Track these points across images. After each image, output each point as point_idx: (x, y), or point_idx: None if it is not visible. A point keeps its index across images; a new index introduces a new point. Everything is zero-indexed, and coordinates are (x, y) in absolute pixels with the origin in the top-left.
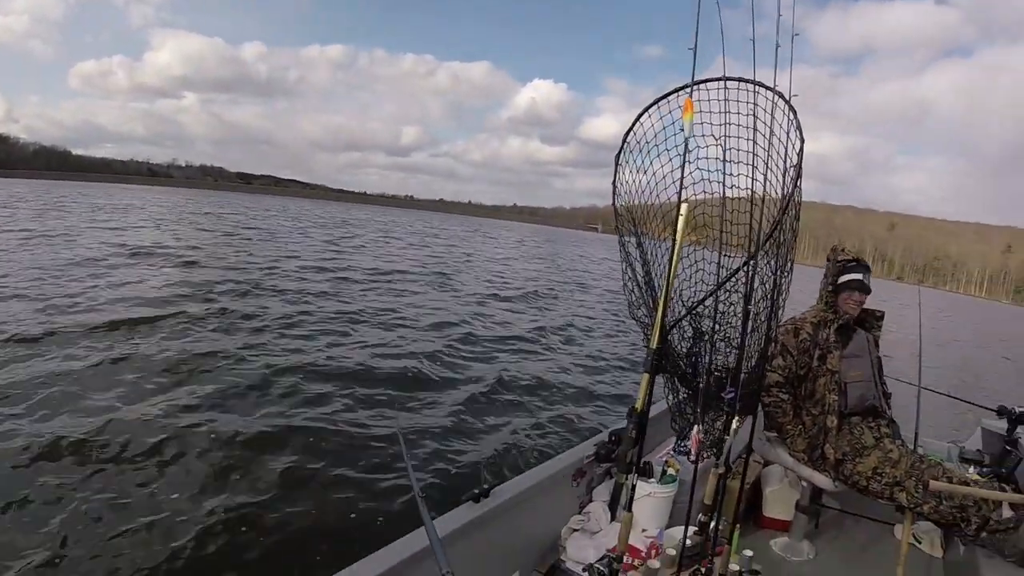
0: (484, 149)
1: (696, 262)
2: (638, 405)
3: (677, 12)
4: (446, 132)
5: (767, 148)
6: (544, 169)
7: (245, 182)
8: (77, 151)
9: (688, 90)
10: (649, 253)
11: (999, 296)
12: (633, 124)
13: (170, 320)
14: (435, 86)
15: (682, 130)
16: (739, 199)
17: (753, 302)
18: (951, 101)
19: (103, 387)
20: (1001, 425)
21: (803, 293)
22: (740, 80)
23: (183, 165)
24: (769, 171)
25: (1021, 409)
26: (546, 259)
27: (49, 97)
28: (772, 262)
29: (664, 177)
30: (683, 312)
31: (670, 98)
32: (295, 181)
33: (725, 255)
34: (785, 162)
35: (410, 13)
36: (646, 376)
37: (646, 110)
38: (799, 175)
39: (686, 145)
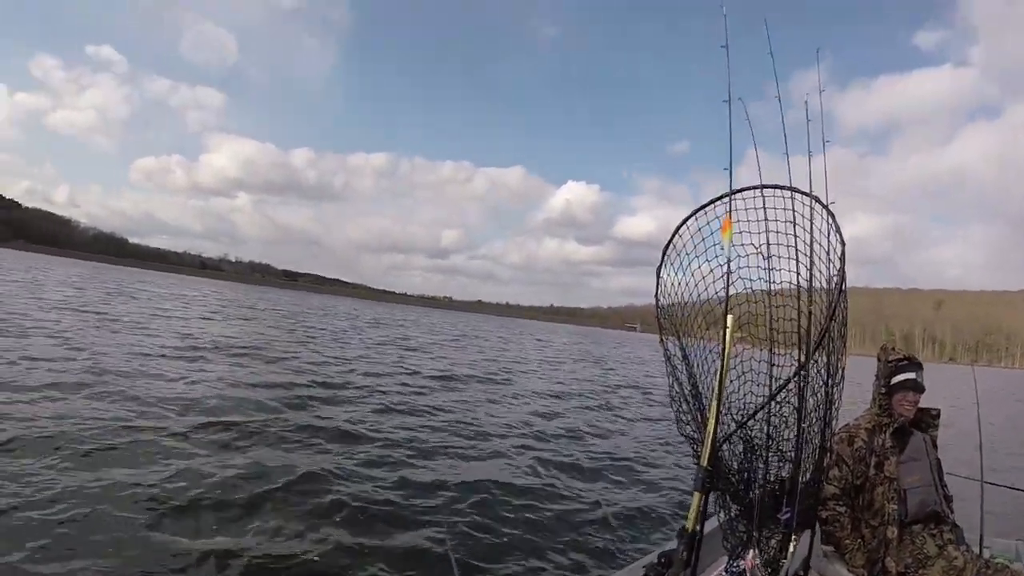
0: (521, 251)
1: (744, 372)
2: (688, 525)
3: (704, 108)
4: (484, 235)
5: (808, 254)
6: (580, 269)
7: (291, 279)
8: (134, 240)
9: (725, 201)
10: (694, 359)
11: None
12: (672, 236)
13: (274, 420)
14: (473, 191)
15: (721, 245)
16: (784, 306)
17: (805, 414)
18: (983, 164)
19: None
20: None
21: (850, 384)
22: (776, 187)
23: (233, 260)
24: (812, 277)
25: None
26: (592, 361)
27: (110, 187)
28: (823, 371)
29: (706, 285)
30: (733, 426)
31: (707, 208)
32: (338, 280)
33: (775, 363)
34: (828, 266)
35: (447, 122)
36: (697, 495)
37: (684, 222)
38: (843, 280)
39: (728, 267)
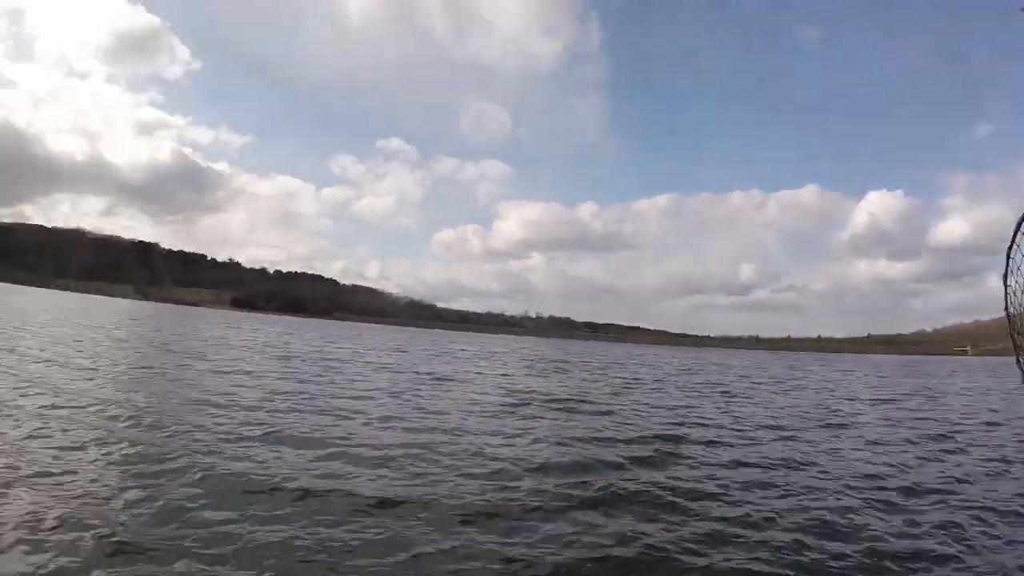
0: (826, 277)
1: None
2: None
3: (999, 78)
4: (784, 264)
5: None
6: (896, 288)
7: (591, 330)
8: (440, 304)
9: None
10: None
11: None
12: (1014, 237)
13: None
14: (766, 219)
15: None
16: None
17: None
18: None
19: None
20: None
21: None
22: None
23: (534, 316)
24: None
25: None
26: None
27: (414, 259)
28: None
29: None
30: None
31: None
32: (637, 328)
33: None
34: None
35: (727, 152)
36: None
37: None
38: None
39: None
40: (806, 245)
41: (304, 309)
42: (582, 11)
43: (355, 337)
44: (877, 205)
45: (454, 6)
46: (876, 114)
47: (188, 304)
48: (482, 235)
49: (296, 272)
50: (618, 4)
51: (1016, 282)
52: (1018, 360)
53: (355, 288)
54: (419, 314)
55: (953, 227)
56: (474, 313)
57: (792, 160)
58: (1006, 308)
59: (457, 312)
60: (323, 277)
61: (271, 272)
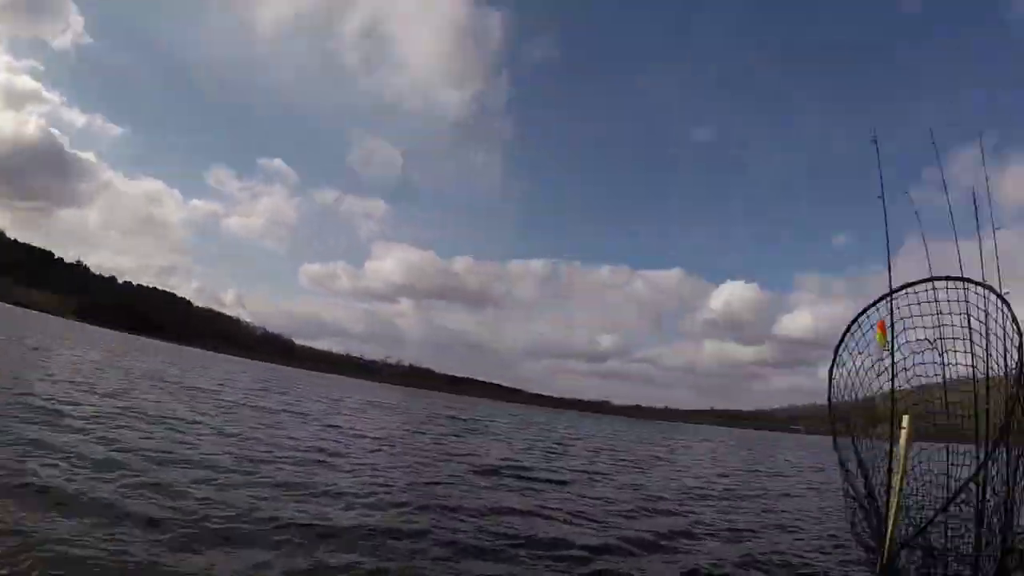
0: (680, 354)
1: (922, 475)
2: None
3: (860, 197)
4: (642, 338)
5: (984, 347)
6: (741, 371)
7: (452, 384)
8: (300, 341)
9: (887, 300)
10: (868, 461)
11: None
12: (843, 337)
13: None
14: (630, 294)
15: (886, 346)
16: (960, 403)
17: (986, 517)
18: None
19: None
20: None
21: None
22: (948, 279)
23: (394, 363)
24: (989, 369)
25: None
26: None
27: (277, 290)
28: (1004, 470)
29: (880, 384)
30: (910, 530)
31: (873, 308)
32: (497, 385)
33: (952, 461)
34: (1006, 359)
35: (604, 229)
36: None
37: (853, 322)
38: (1022, 371)
39: (893, 366)
40: (664, 322)
41: (153, 329)
42: (495, 66)
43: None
44: (734, 293)
45: (371, 37)
46: (747, 212)
47: (26, 307)
48: (353, 273)
49: (149, 286)
50: (534, 64)
51: (839, 375)
52: (834, 443)
53: (211, 313)
54: (276, 350)
55: (798, 320)
56: (337, 354)
57: (663, 244)
58: (828, 398)
59: (316, 352)
60: (176, 296)
61: (120, 282)
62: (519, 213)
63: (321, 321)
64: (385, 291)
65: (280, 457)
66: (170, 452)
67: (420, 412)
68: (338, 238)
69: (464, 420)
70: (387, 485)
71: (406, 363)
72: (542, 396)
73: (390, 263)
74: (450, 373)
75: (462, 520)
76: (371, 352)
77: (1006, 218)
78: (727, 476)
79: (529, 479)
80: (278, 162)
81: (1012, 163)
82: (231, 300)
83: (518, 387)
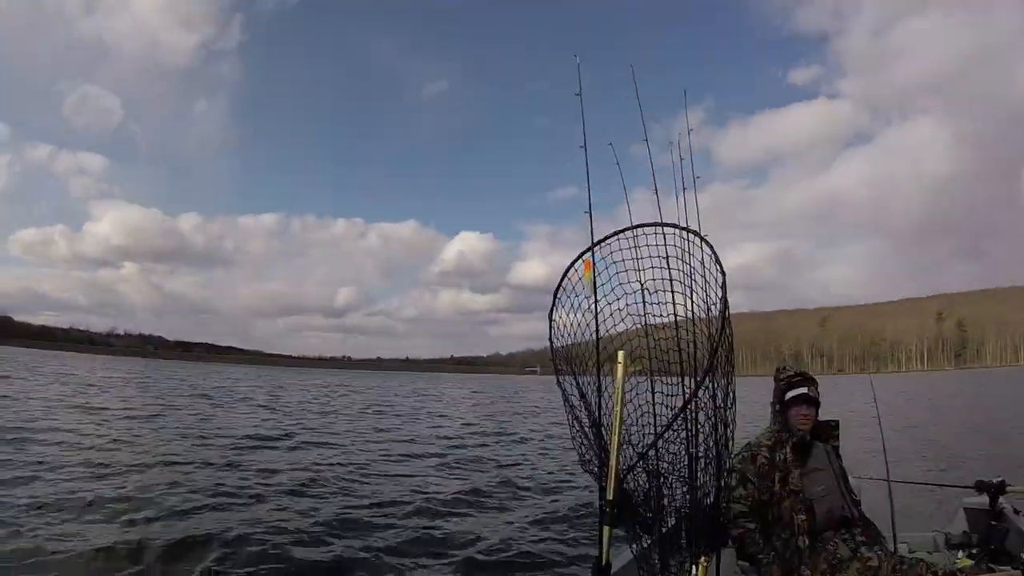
0: (417, 305)
1: (640, 405)
2: (602, 559)
3: (583, 157)
4: (380, 291)
5: (690, 284)
6: (478, 318)
7: (185, 350)
8: (18, 317)
9: (601, 245)
10: (591, 396)
11: (941, 365)
12: (560, 281)
13: None
14: (366, 247)
15: (593, 285)
16: (672, 338)
17: (701, 439)
18: (859, 186)
19: None
20: (983, 501)
21: (749, 405)
22: (650, 224)
23: (122, 334)
24: (695, 307)
25: (999, 479)
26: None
27: None
28: (715, 396)
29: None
30: (635, 457)
31: (587, 253)
32: (233, 348)
33: (667, 391)
34: (707, 296)
35: (339, 181)
36: (606, 529)
37: (569, 268)
38: (726, 307)
39: (596, 305)
40: (401, 274)
41: None
42: (227, 10)
43: None
44: (468, 244)
45: None
46: (483, 164)
47: None
48: (71, 237)
49: None
50: (267, 10)
51: (559, 318)
52: (558, 381)
53: None
54: None
55: (532, 268)
56: (60, 329)
57: (399, 197)
58: (550, 339)
59: (38, 327)
60: None
61: None
62: (249, 166)
63: (39, 293)
64: (107, 255)
65: None
66: None
67: (173, 385)
68: (52, 199)
69: (223, 390)
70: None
71: (135, 332)
72: (282, 356)
73: (111, 224)
74: (183, 339)
75: None
76: (97, 323)
77: (722, 175)
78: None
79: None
80: None
81: (731, 126)
82: None
83: (256, 348)
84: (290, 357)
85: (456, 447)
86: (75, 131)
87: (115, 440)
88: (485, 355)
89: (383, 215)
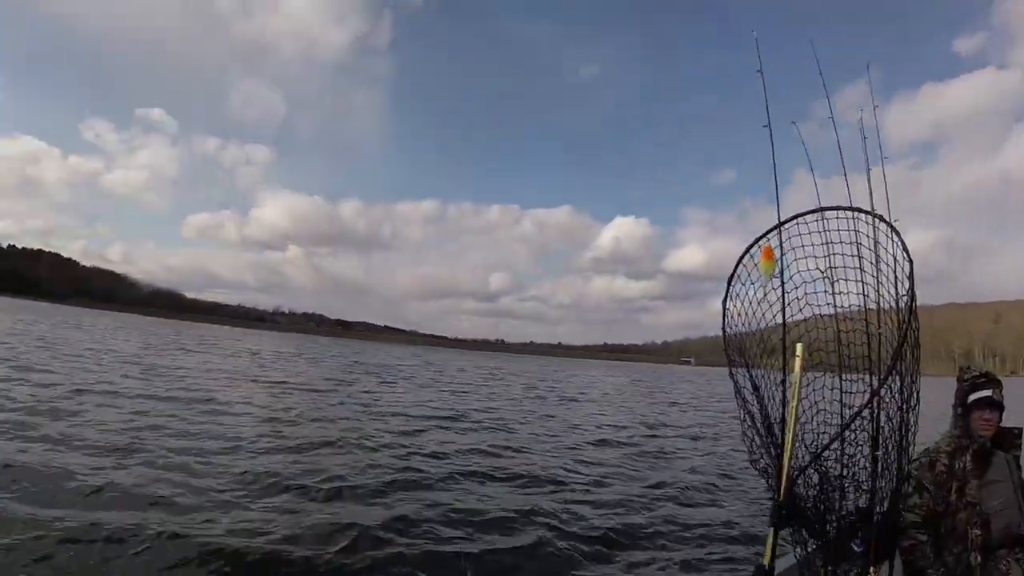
0: (570, 290)
1: (816, 402)
2: (765, 561)
3: (748, 135)
4: (533, 276)
5: (875, 274)
6: (631, 305)
7: (344, 328)
8: (190, 294)
9: (785, 228)
10: (764, 391)
11: None
12: (736, 268)
13: None
14: (521, 233)
15: (773, 274)
16: (853, 331)
17: (881, 442)
18: None
19: None
20: None
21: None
22: (837, 208)
23: (287, 312)
24: (880, 298)
25: None
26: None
27: (163, 244)
28: (897, 396)
29: (773, 313)
30: (807, 457)
31: (765, 238)
32: (389, 327)
33: (846, 389)
34: (896, 287)
35: (495, 168)
36: (772, 531)
37: (746, 253)
38: (913, 299)
39: (784, 294)
40: (555, 260)
41: (42, 292)
42: (377, 4)
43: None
44: (623, 229)
45: None
46: (640, 148)
47: None
48: (239, 222)
49: (33, 249)
50: (416, 4)
51: (733, 307)
52: (731, 372)
53: (98, 272)
54: (168, 304)
55: (688, 255)
56: (229, 306)
57: (552, 182)
58: (723, 328)
59: (210, 304)
60: (62, 257)
61: (4, 247)
62: (408, 154)
63: (210, 272)
64: (272, 239)
65: None
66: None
67: (332, 361)
68: (222, 187)
69: (387, 368)
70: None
71: (299, 311)
72: (437, 336)
73: (276, 210)
74: (343, 318)
75: None
76: (263, 302)
77: (888, 153)
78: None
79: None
80: (158, 112)
81: (895, 101)
82: (119, 257)
83: (413, 329)
84: (445, 338)
85: (625, 440)
86: (241, 124)
87: (300, 414)
88: (638, 343)
89: (538, 201)
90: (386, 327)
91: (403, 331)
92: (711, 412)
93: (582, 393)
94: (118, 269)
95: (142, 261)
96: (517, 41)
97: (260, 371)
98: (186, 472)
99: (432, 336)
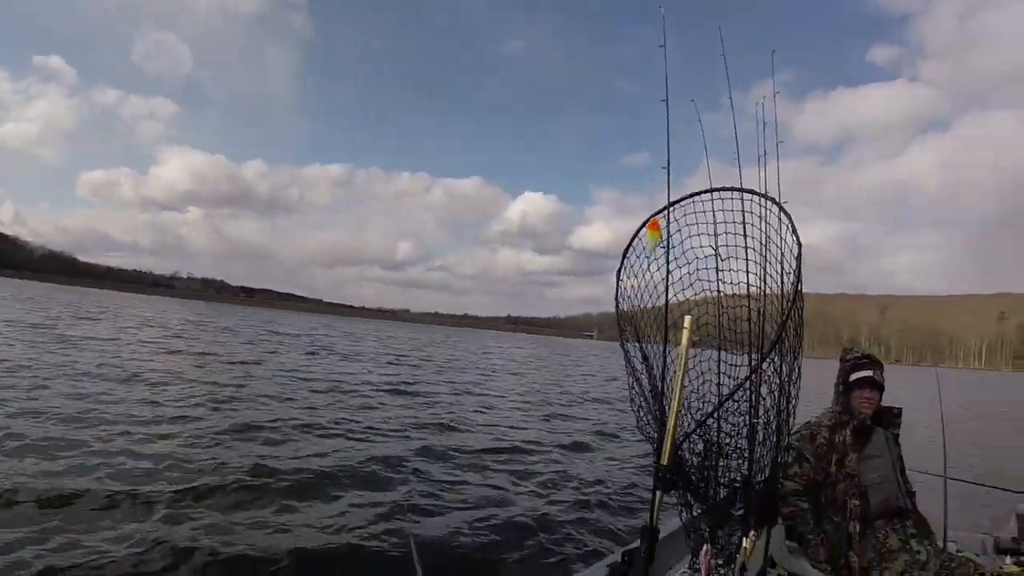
0: (477, 262)
1: (702, 373)
2: (650, 522)
3: (660, 120)
4: (440, 246)
5: (763, 254)
6: (537, 279)
7: (248, 295)
8: (84, 258)
9: (683, 204)
10: (653, 361)
11: (998, 366)
12: (631, 241)
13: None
14: (429, 202)
15: (658, 243)
16: (740, 307)
17: (761, 412)
18: (932, 174)
19: None
20: None
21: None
22: (727, 189)
23: (185, 277)
24: (767, 277)
25: None
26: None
27: (56, 204)
28: (779, 370)
29: (665, 288)
30: (692, 425)
31: (660, 213)
32: (293, 295)
33: (731, 361)
34: (782, 267)
35: (407, 135)
36: (658, 493)
37: (642, 227)
38: (799, 280)
39: (668, 268)
40: (463, 231)
41: None
42: None
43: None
44: (532, 204)
45: None
46: (554, 125)
47: None
48: (137, 180)
49: None
50: None
51: (627, 280)
52: (622, 342)
53: None
54: (60, 268)
55: (596, 233)
56: (124, 270)
57: (466, 153)
58: (616, 299)
59: (105, 268)
60: None
61: None
62: (318, 117)
63: (104, 234)
64: (171, 199)
65: None
66: None
67: (247, 331)
68: (122, 141)
69: (307, 338)
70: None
71: (198, 276)
72: (342, 305)
73: (177, 168)
74: (245, 284)
75: None
76: (159, 266)
77: (796, 150)
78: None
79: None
80: (56, 60)
81: (809, 100)
82: (8, 218)
83: (316, 297)
84: (351, 307)
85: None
86: (146, 77)
87: (238, 390)
88: (542, 316)
89: (449, 171)
90: (290, 295)
91: (307, 299)
92: (611, 382)
93: (502, 364)
94: (8, 231)
95: (34, 222)
96: (441, 7)
97: (181, 343)
98: (128, 457)
99: (337, 304)
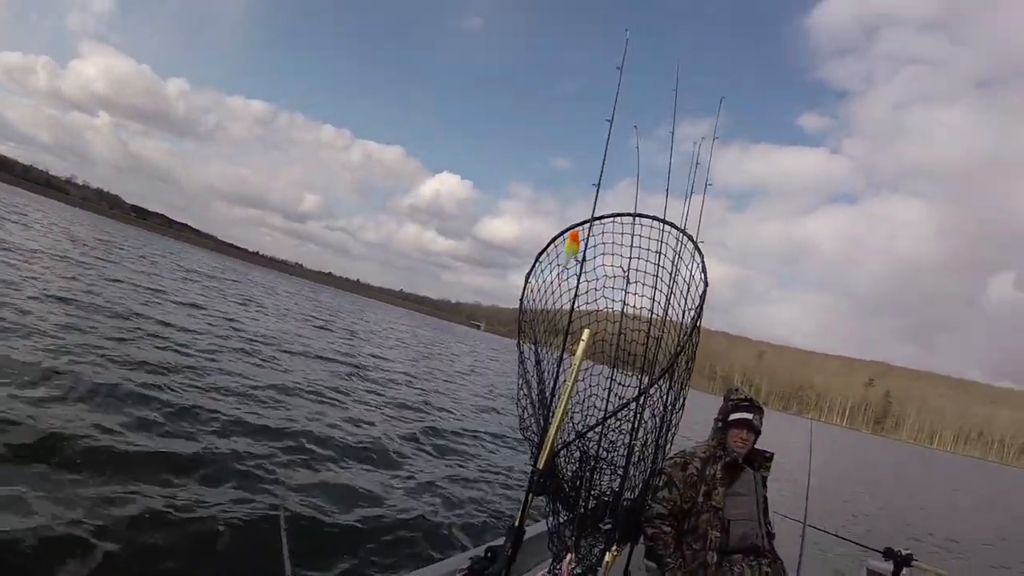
0: (380, 230)
1: (591, 387)
2: (516, 522)
3: (591, 132)
4: (346, 207)
5: (671, 285)
6: (435, 260)
7: (140, 217)
8: None
9: (593, 223)
10: (546, 367)
11: (859, 426)
12: (548, 245)
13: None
14: (346, 160)
15: (574, 255)
16: (639, 331)
17: (642, 434)
18: (831, 243)
19: None
20: (887, 568)
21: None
22: (653, 218)
23: (80, 184)
24: (671, 307)
25: (908, 552)
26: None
27: None
28: (665, 397)
29: (569, 297)
30: (572, 435)
31: (583, 226)
32: (187, 226)
33: (621, 381)
34: (685, 301)
35: (340, 85)
36: (528, 495)
37: (560, 235)
38: (699, 316)
39: (578, 281)
40: (373, 196)
41: None
42: None
43: None
44: (446, 185)
45: None
46: (491, 114)
47: None
48: (54, 71)
49: None
50: None
51: (535, 283)
52: (519, 342)
53: None
54: None
55: (502, 226)
56: (20, 164)
57: (393, 119)
58: (520, 299)
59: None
60: None
61: None
62: (254, 47)
63: (4, 120)
64: (84, 100)
65: None
66: None
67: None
68: (47, 28)
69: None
70: None
71: (93, 185)
72: (235, 247)
73: (97, 68)
74: (140, 204)
75: None
76: (56, 167)
77: (710, 190)
78: None
79: None
80: None
81: (732, 146)
82: None
83: (211, 232)
84: (244, 250)
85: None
86: None
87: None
88: (432, 296)
89: (373, 134)
90: (185, 225)
91: (201, 233)
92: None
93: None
94: None
95: None
96: None
97: (99, 262)
98: None
99: (231, 245)
